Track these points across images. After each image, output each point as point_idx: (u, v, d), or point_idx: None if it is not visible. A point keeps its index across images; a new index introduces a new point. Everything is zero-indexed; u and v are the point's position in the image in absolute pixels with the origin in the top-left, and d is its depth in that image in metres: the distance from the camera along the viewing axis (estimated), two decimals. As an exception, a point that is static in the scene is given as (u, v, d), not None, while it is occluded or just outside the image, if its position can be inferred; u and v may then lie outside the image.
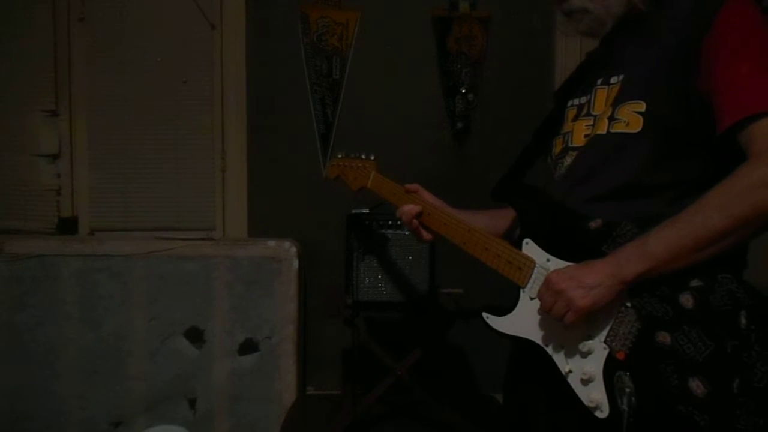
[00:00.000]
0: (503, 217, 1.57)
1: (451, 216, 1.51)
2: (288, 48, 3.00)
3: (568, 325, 1.17)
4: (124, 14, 2.93)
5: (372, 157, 1.77)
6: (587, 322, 1.18)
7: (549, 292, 1.19)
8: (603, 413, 1.14)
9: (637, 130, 1.19)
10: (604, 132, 1.24)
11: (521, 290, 1.30)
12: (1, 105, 2.96)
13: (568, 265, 1.21)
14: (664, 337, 1.10)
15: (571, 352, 1.20)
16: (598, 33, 1.33)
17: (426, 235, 1.59)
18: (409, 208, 1.57)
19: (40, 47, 2.92)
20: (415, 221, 1.57)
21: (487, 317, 1.31)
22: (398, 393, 2.58)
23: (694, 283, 1.10)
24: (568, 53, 2.91)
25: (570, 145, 1.35)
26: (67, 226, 2.99)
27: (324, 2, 2.99)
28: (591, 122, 1.31)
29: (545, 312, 1.21)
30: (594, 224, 1.22)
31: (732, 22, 1.12)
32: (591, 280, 1.14)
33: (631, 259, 1.12)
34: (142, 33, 2.95)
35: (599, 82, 1.33)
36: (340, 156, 1.84)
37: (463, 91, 3.02)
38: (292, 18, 2.99)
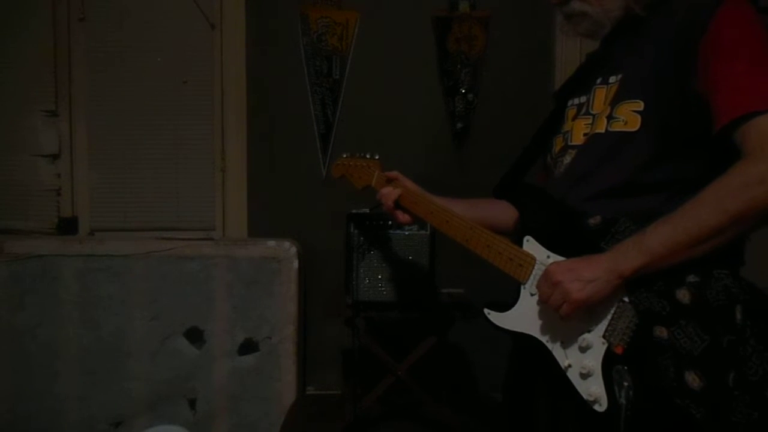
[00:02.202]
0: (478, 207, 1.58)
1: (451, 213, 1.52)
2: (288, 48, 3.01)
3: (564, 316, 1.18)
4: (124, 14, 2.94)
5: (376, 157, 1.80)
6: (586, 316, 1.19)
7: (547, 284, 1.20)
8: (601, 407, 1.15)
9: (635, 128, 1.20)
10: (603, 131, 1.26)
11: (522, 287, 1.31)
12: (1, 105, 2.96)
13: (568, 258, 1.22)
14: (661, 332, 1.10)
15: (570, 346, 1.21)
16: (597, 35, 1.35)
17: (403, 218, 1.66)
18: (387, 191, 1.66)
19: (40, 47, 2.93)
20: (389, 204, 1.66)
21: (489, 313, 1.32)
22: (398, 393, 2.58)
23: (691, 278, 1.12)
24: (568, 53, 2.91)
25: (569, 143, 1.36)
26: (67, 226, 3.00)
27: (324, 2, 3.00)
28: (590, 121, 1.32)
29: (542, 302, 1.23)
30: (593, 221, 1.23)
31: (728, 23, 1.13)
32: (588, 274, 1.15)
33: (629, 254, 1.13)
34: (142, 33, 2.95)
35: (598, 81, 1.34)
36: (345, 156, 1.87)
37: (463, 91, 3.03)
38: (292, 18, 3.00)
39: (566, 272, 1.17)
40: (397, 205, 1.67)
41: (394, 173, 1.71)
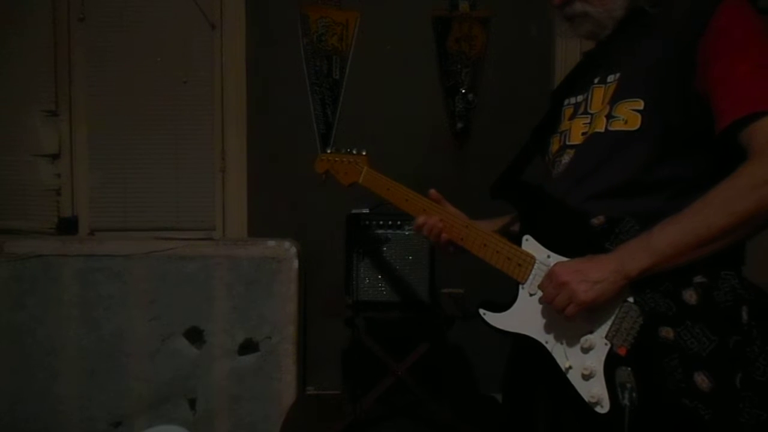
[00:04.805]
0: (508, 222, 1.56)
1: (450, 214, 1.50)
2: (288, 48, 3.01)
3: (568, 317, 1.17)
4: (124, 14, 2.94)
5: (363, 152, 1.76)
6: (588, 317, 1.18)
7: (552, 284, 1.19)
8: (603, 409, 1.14)
9: (636, 128, 1.20)
10: (603, 130, 1.25)
11: (520, 286, 1.30)
12: (1, 105, 2.96)
13: (573, 259, 1.21)
14: (667, 333, 1.10)
15: (571, 347, 1.20)
16: (598, 36, 1.34)
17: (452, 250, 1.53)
18: (433, 222, 1.50)
19: (40, 47, 2.93)
20: (444, 236, 1.49)
21: (485, 314, 1.31)
22: (398, 393, 2.58)
23: (698, 279, 1.11)
24: (568, 53, 2.91)
25: (567, 143, 1.35)
26: (67, 226, 3.00)
27: (324, 2, 2.99)
28: (588, 120, 1.31)
29: (546, 303, 1.22)
30: (596, 221, 1.22)
31: (728, 22, 1.12)
32: (595, 275, 1.14)
33: (636, 255, 1.12)
34: (142, 33, 2.95)
35: (596, 80, 1.33)
36: (329, 151, 1.83)
37: (463, 91, 3.02)
38: (292, 18, 3.00)
39: (573, 273, 1.16)
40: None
41: (437, 195, 1.56)
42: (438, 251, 2.44)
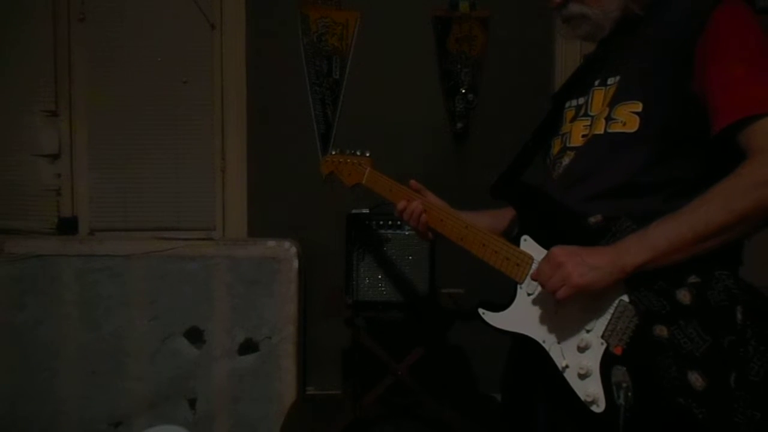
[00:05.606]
0: (505, 217, 1.57)
1: (449, 213, 1.51)
2: (288, 48, 3.01)
3: (559, 300, 1.16)
4: (124, 14, 2.94)
5: (367, 154, 1.78)
6: (584, 316, 1.18)
7: (549, 265, 1.19)
8: (599, 408, 1.14)
9: (634, 129, 1.20)
10: (602, 132, 1.25)
11: (518, 286, 1.30)
12: (1, 105, 2.96)
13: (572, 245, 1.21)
14: (661, 331, 1.10)
15: (567, 347, 1.21)
16: (596, 37, 1.34)
17: (430, 235, 1.60)
18: (414, 206, 1.57)
19: (40, 48, 2.93)
20: (424, 216, 1.56)
21: (483, 313, 1.32)
22: (398, 393, 2.58)
23: (692, 279, 1.11)
24: (568, 53, 2.91)
25: (568, 145, 1.36)
26: (67, 226, 3.00)
27: (324, 2, 3.00)
28: (588, 122, 1.32)
29: (541, 284, 1.21)
30: (594, 219, 1.22)
31: (725, 24, 1.12)
32: (592, 261, 1.14)
33: (632, 250, 1.12)
34: (142, 33, 2.95)
35: (596, 83, 1.34)
36: (334, 152, 1.86)
37: (463, 91, 3.03)
38: (292, 18, 3.00)
39: (570, 255, 1.16)
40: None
41: (418, 185, 1.64)
42: (437, 251, 2.47)
